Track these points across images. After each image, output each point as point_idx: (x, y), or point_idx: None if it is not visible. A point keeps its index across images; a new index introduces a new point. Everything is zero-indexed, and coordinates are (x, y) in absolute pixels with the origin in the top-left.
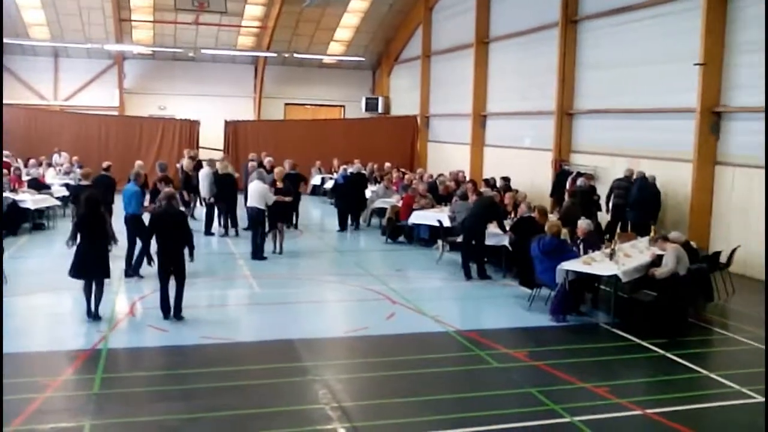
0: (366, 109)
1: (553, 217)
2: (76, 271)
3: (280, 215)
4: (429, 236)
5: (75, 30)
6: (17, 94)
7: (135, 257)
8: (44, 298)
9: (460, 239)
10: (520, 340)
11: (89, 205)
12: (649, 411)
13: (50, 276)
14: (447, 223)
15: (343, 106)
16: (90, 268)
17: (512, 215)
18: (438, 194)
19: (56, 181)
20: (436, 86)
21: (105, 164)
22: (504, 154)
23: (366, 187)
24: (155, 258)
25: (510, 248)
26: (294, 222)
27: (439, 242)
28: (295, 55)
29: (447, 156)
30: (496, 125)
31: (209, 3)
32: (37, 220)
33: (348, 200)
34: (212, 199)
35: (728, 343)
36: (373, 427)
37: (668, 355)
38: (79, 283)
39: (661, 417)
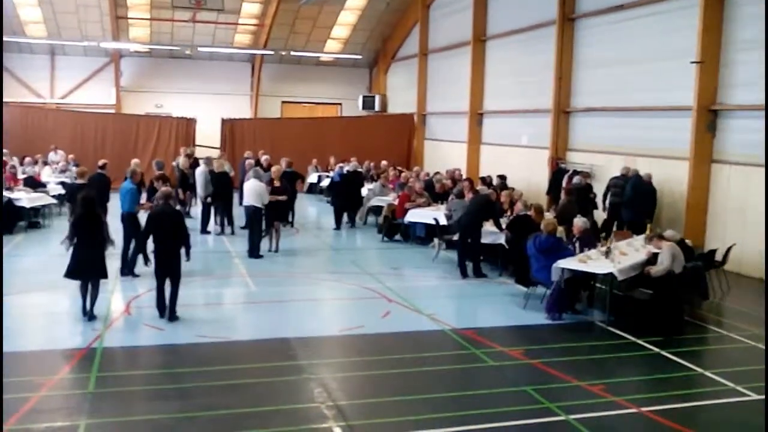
0: (363, 107)
1: (549, 215)
2: (72, 272)
3: (276, 214)
4: (425, 234)
5: (71, 27)
6: (13, 91)
7: (130, 256)
8: (39, 297)
9: (456, 237)
10: (516, 338)
11: (85, 206)
12: (644, 409)
13: (45, 275)
14: (443, 222)
15: (340, 104)
16: (86, 269)
17: (508, 213)
18: (434, 192)
19: (52, 179)
20: (433, 84)
21: (101, 162)
22: (501, 152)
23: (362, 185)
24: (152, 257)
25: (506, 246)
26: (290, 220)
27: (436, 240)
28: (292, 52)
29: (444, 154)
30: (493, 123)
31: (206, 1)
32: (32, 219)
33: (344, 198)
34: (209, 199)
35: (723, 341)
36: (369, 425)
37: (663, 353)
38: (75, 282)
39: (657, 415)
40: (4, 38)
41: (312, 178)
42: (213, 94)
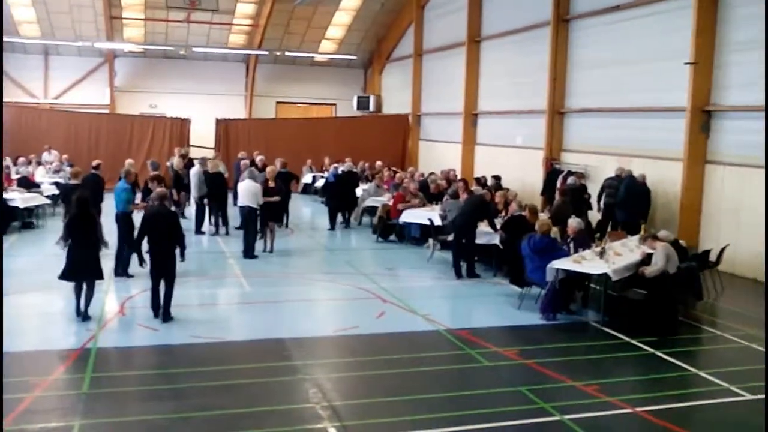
0: (357, 108)
1: (543, 216)
2: (67, 274)
3: (271, 214)
4: (420, 235)
5: (65, 27)
6: (7, 91)
7: (124, 256)
8: (34, 297)
9: (451, 238)
10: (511, 338)
11: (80, 206)
12: (638, 409)
13: (40, 275)
14: (438, 222)
15: (335, 105)
16: (81, 270)
17: (503, 214)
18: (429, 193)
19: (46, 179)
20: (428, 85)
21: (94, 163)
22: (495, 152)
23: (357, 185)
24: (146, 258)
25: (501, 247)
26: (285, 221)
27: (430, 241)
28: (287, 53)
29: (438, 155)
30: (488, 124)
31: (201, 1)
32: (26, 219)
33: (339, 199)
34: (206, 200)
35: (717, 341)
36: (364, 425)
37: (658, 353)
38: (69, 283)
39: (651, 415)
40: None
41: (307, 178)
42: (207, 95)
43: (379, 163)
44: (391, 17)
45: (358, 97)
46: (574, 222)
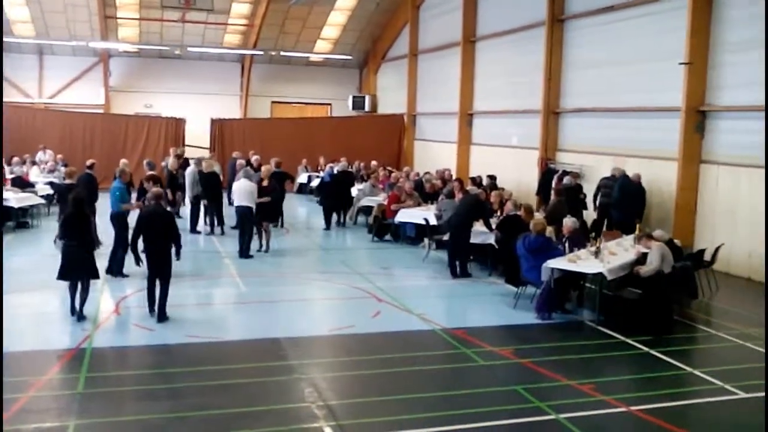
0: (353, 108)
1: (539, 216)
2: (63, 273)
3: (266, 214)
4: (415, 234)
5: (60, 27)
6: None
7: (118, 255)
8: (28, 297)
9: (446, 237)
10: (506, 337)
11: (76, 205)
12: (633, 408)
13: (35, 275)
14: (433, 222)
15: (330, 105)
16: (76, 268)
17: (498, 213)
18: (424, 192)
19: (40, 179)
20: (423, 85)
21: (89, 162)
22: (490, 152)
23: (352, 185)
24: (142, 257)
25: (496, 246)
26: (279, 220)
27: (426, 240)
28: (282, 53)
29: (434, 154)
30: (483, 124)
31: (195, 1)
32: (20, 219)
33: (334, 198)
34: (203, 201)
35: (712, 340)
36: (359, 425)
37: (653, 352)
38: (64, 282)
39: (646, 414)
40: None
41: (302, 178)
42: (202, 94)
43: (374, 162)
44: (386, 17)
45: (354, 97)
46: (569, 221)
